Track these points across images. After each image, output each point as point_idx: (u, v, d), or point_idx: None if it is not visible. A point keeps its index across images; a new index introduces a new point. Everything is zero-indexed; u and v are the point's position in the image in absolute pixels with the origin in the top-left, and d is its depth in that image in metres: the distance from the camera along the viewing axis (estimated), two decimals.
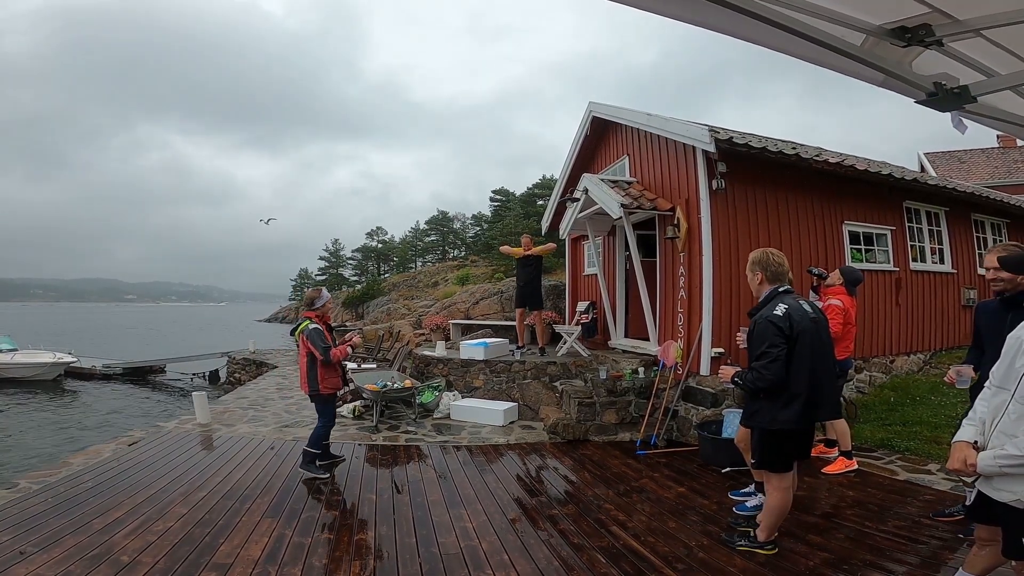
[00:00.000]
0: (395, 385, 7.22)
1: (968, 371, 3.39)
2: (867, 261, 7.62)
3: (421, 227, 64.66)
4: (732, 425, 5.45)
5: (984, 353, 3.14)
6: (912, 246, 8.20)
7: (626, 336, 8.28)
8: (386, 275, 58.35)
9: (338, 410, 7.55)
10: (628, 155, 8.34)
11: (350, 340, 5.73)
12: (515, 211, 40.15)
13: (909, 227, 8.24)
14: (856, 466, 4.90)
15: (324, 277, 69.44)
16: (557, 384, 7.59)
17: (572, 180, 9.97)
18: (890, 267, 7.86)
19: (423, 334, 13.13)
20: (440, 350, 8.81)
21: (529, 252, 8.47)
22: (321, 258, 71.92)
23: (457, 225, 62.53)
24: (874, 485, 4.58)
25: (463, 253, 55.23)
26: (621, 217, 6.90)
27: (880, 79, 1.51)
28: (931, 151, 22.22)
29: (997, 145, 21.51)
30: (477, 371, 7.98)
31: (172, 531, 3.82)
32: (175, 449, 5.91)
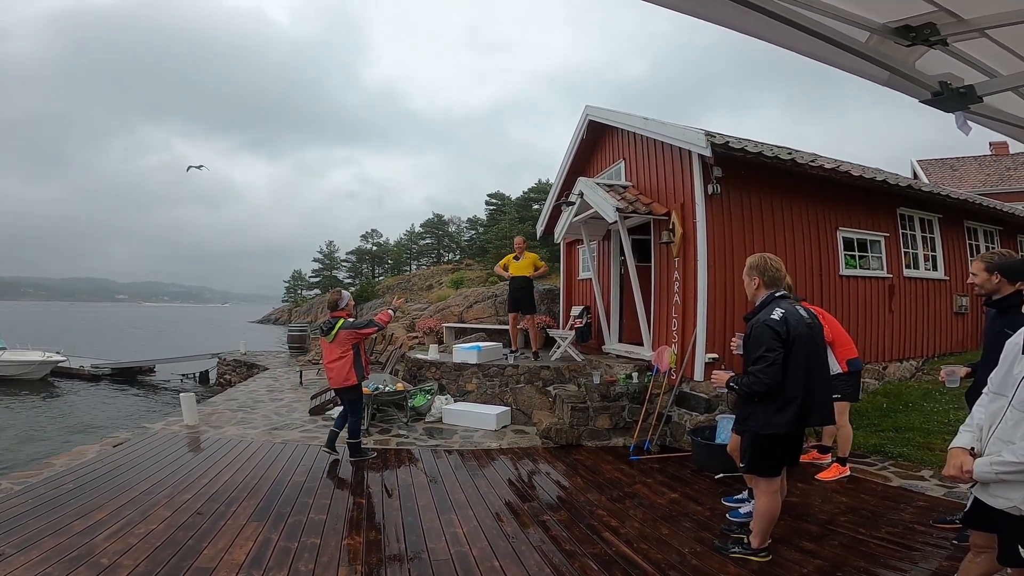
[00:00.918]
0: (387, 388, 7.15)
1: (959, 371, 3.40)
2: (861, 267, 7.63)
3: (416, 230, 64.56)
4: (725, 431, 5.41)
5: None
6: (905, 253, 8.23)
7: (620, 341, 8.25)
8: (380, 278, 58.19)
9: (330, 412, 7.48)
10: (624, 159, 8.32)
11: (394, 303, 6.30)
12: (510, 215, 40.19)
13: (903, 234, 8.26)
14: (849, 472, 4.88)
15: (318, 279, 69.15)
16: (550, 388, 7.53)
17: (568, 184, 9.95)
18: (883, 274, 7.86)
19: (416, 337, 13.04)
20: (433, 353, 8.75)
21: (519, 275, 8.43)
22: (315, 260, 71.62)
23: (452, 228, 62.48)
24: (867, 491, 4.55)
25: (458, 256, 55.17)
26: (616, 221, 6.88)
27: (885, 77, 1.48)
28: (923, 158, 22.41)
29: (989, 152, 21.70)
30: (470, 375, 7.92)
31: (154, 534, 3.73)
32: (161, 451, 5.81)
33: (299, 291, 72.08)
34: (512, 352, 8.41)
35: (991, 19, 1.42)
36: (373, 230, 70.36)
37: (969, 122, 1.68)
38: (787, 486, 3.56)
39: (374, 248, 67.47)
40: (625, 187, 7.68)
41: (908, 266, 8.26)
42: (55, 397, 14.55)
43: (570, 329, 8.70)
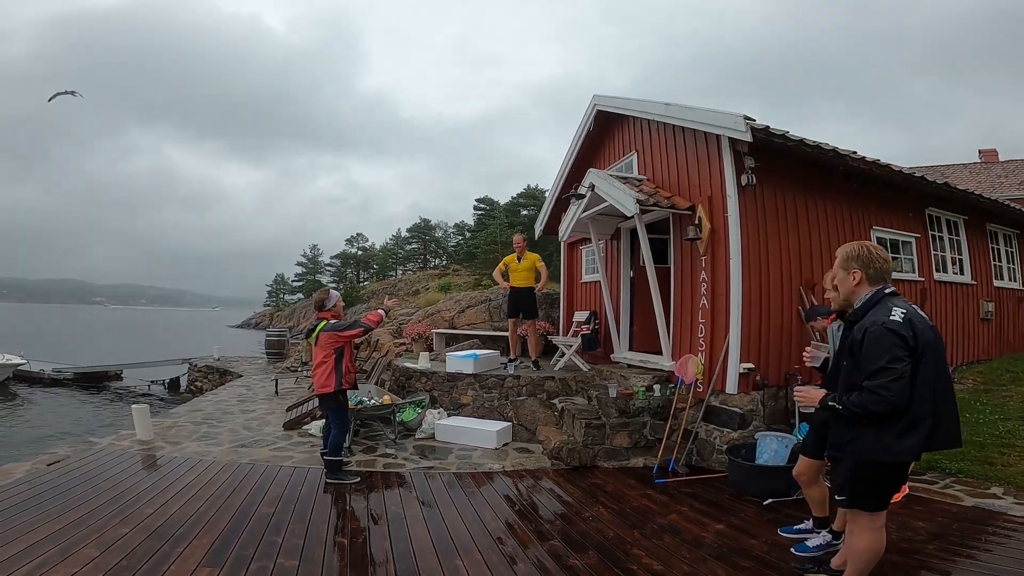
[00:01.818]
0: (372, 402, 6.33)
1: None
2: (894, 270, 7.05)
3: (403, 234, 63.52)
4: (769, 451, 4.75)
5: None
6: (934, 255, 7.68)
7: (631, 349, 7.52)
8: (365, 282, 57.07)
9: (306, 427, 6.63)
10: (637, 151, 7.64)
11: (385, 304, 5.56)
12: (499, 219, 39.47)
13: (932, 235, 7.72)
14: (908, 491, 4.26)
15: (301, 283, 67.63)
16: (555, 401, 6.78)
17: (570, 182, 9.24)
18: (915, 277, 7.29)
19: (403, 343, 12.19)
20: (423, 362, 7.92)
21: (523, 286, 7.71)
22: (298, 264, 70.15)
23: (439, 233, 61.60)
24: (942, 514, 3.91)
25: (444, 262, 54.33)
26: (634, 216, 6.19)
27: None
28: (912, 166, 22.24)
29: (979, 160, 21.58)
30: (465, 386, 7.12)
31: None
32: (103, 472, 4.93)
33: (281, 295, 70.45)
34: (511, 361, 7.63)
35: None
36: (358, 234, 69.01)
37: None
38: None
39: (359, 252, 66.27)
40: (640, 180, 7.00)
41: (937, 269, 7.71)
42: (9, 403, 13.39)
43: (575, 336, 7.96)
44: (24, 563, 3.15)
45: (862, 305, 2.51)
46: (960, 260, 8.26)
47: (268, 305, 72.59)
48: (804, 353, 3.62)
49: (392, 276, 56.66)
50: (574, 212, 7.39)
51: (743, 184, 5.36)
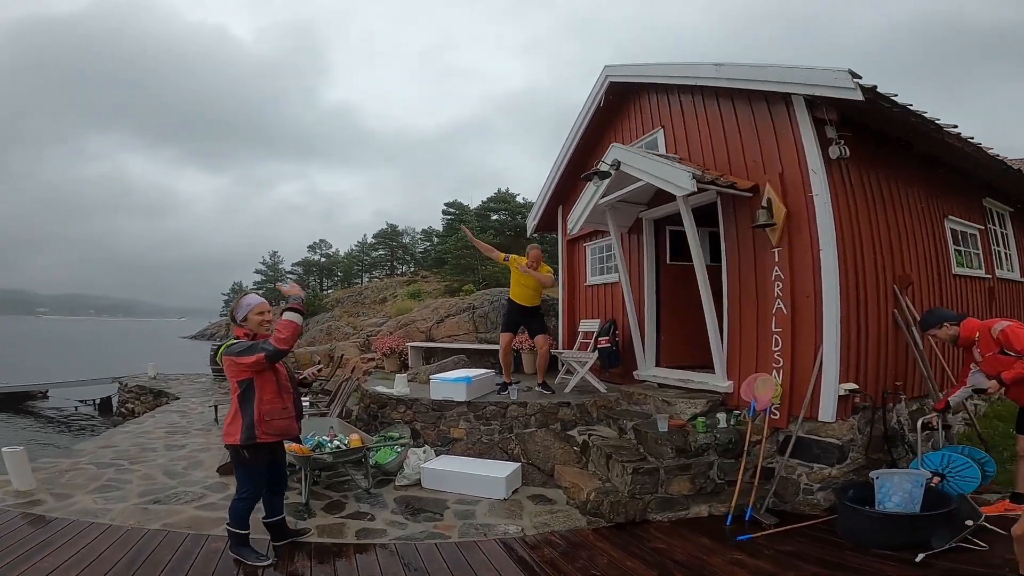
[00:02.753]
0: (333, 444, 4.79)
1: None
2: (966, 266, 6.00)
3: (368, 241, 61.13)
4: (900, 492, 3.60)
5: None
6: (994, 250, 6.73)
7: (658, 365, 6.19)
8: (329, 290, 54.54)
9: None
10: (663, 127, 6.37)
11: (285, 293, 3.46)
12: (471, 224, 37.94)
13: (990, 229, 6.76)
14: None
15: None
16: (575, 433, 5.40)
17: (571, 171, 7.97)
18: (982, 273, 6.29)
19: (372, 359, 10.59)
20: (400, 386, 6.35)
21: (528, 305, 6.36)
22: (257, 271, 66.72)
23: (407, 240, 59.54)
24: None
25: (412, 268, 52.44)
26: (674, 201, 4.91)
27: None
28: None
29: None
30: (456, 416, 5.66)
31: None
32: None
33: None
34: (510, 385, 6.11)
35: None
36: (321, 240, 66.06)
37: None
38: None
39: (323, 259, 63.52)
40: (673, 159, 5.71)
41: (999, 265, 6.75)
42: None
43: (592, 351, 6.58)
44: None
45: None
46: (1009, 255, 7.34)
47: (224, 315, 68.77)
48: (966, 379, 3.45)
49: (357, 283, 54.29)
50: (590, 197, 6.04)
51: (834, 158, 4.13)
